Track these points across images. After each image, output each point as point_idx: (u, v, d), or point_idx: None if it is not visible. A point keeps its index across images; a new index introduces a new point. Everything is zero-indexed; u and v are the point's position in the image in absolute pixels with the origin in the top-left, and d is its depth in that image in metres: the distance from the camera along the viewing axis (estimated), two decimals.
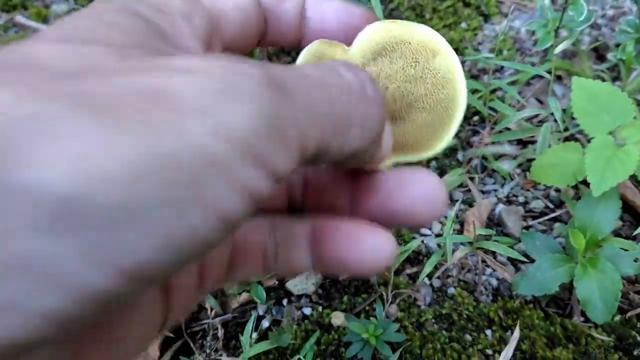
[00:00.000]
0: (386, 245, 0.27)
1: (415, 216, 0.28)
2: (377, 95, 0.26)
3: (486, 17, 0.96)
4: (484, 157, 0.76)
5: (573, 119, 0.73)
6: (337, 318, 0.64)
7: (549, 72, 0.71)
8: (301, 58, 0.34)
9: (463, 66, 0.88)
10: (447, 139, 0.33)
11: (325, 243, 0.28)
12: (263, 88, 0.19)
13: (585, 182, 0.62)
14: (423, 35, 0.35)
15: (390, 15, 0.96)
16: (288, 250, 0.29)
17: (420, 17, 0.96)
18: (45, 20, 1.03)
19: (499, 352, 0.60)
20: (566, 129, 0.75)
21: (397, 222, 0.29)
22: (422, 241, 0.70)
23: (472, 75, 0.88)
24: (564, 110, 0.74)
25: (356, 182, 0.31)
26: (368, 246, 0.27)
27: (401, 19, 0.95)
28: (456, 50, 0.90)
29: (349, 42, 0.35)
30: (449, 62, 0.34)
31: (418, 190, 0.28)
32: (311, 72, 0.22)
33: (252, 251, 0.30)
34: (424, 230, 0.72)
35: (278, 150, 0.18)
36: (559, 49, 0.69)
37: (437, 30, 0.92)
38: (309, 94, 0.21)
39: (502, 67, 0.88)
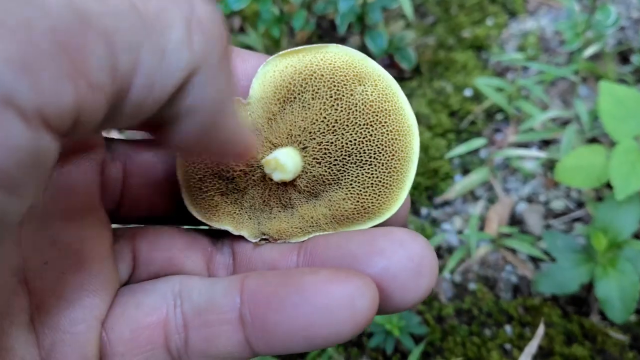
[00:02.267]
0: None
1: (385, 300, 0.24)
2: (211, 5, 0.20)
3: (512, 14, 0.97)
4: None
5: (596, 120, 0.75)
6: None
7: (575, 73, 0.72)
8: None
9: (487, 64, 0.89)
10: (402, 196, 0.26)
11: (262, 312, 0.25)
12: None
13: (607, 184, 0.64)
14: (337, 60, 0.27)
15: (417, 11, 0.96)
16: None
17: (446, 13, 0.96)
18: None
19: (518, 348, 0.62)
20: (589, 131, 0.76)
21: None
22: (444, 237, 0.72)
23: (497, 73, 0.89)
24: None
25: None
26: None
27: (428, 15, 0.95)
28: (480, 47, 0.91)
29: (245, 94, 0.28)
30: (382, 86, 0.27)
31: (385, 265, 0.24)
32: None
33: (142, 334, 0.27)
34: (445, 226, 0.73)
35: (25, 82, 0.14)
36: (587, 52, 0.70)
37: (463, 28, 0.93)
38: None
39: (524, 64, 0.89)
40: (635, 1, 0.95)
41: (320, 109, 0.27)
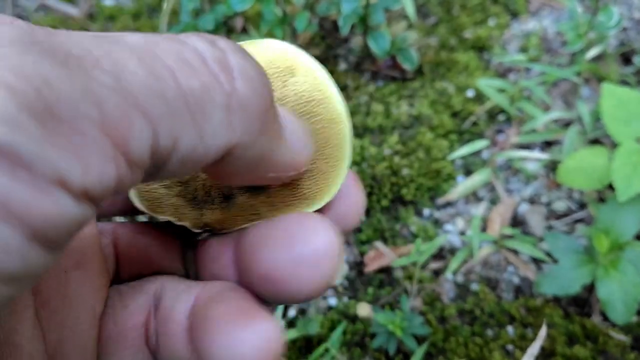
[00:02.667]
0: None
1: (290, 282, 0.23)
2: (253, 69, 0.20)
3: (514, 15, 0.97)
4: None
5: (598, 121, 0.75)
6: (363, 309, 0.67)
7: (577, 74, 0.72)
8: None
9: (489, 65, 0.89)
10: (339, 181, 0.27)
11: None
12: (24, 49, 0.14)
13: (609, 186, 0.64)
14: (270, 52, 0.27)
15: (419, 11, 0.97)
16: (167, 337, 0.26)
17: (448, 14, 0.97)
18: (72, 1, 1.05)
19: (519, 348, 0.62)
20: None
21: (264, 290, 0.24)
22: (446, 238, 0.72)
23: (499, 73, 0.89)
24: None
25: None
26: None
27: (429, 15, 0.95)
28: (482, 48, 0.91)
29: None
30: (312, 77, 0.27)
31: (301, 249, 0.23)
32: (130, 39, 0.17)
33: (128, 335, 0.27)
34: (447, 227, 0.74)
35: (61, 151, 0.15)
36: (590, 54, 0.70)
37: (465, 28, 0.93)
38: (117, 64, 0.16)
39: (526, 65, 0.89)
40: (638, 2, 0.95)
41: None
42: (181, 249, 0.30)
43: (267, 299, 0.25)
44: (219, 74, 0.19)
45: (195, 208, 0.29)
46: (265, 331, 0.22)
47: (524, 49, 0.90)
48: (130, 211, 0.31)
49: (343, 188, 0.27)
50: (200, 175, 0.29)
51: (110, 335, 0.27)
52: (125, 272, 0.30)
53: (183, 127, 0.18)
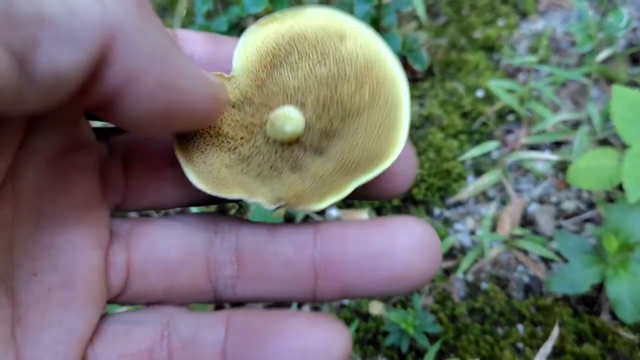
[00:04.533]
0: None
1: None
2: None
3: (523, 15, 0.98)
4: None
5: (607, 121, 0.75)
6: (375, 307, 0.68)
7: (587, 75, 0.73)
8: None
9: (498, 65, 0.90)
10: (403, 135, 0.26)
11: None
12: None
13: (619, 186, 0.65)
14: (317, 19, 0.28)
15: (428, 11, 0.97)
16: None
17: (457, 14, 0.97)
18: None
19: (530, 346, 0.63)
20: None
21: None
22: (457, 237, 0.73)
23: (508, 73, 0.89)
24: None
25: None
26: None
27: (439, 15, 0.96)
28: (492, 48, 0.92)
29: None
30: (362, 40, 0.27)
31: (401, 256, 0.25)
32: None
33: None
34: (458, 227, 0.75)
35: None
36: (600, 57, 0.71)
37: (475, 28, 0.94)
38: None
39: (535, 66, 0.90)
40: None
41: (310, 66, 0.28)
42: (206, 253, 0.29)
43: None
44: None
45: (264, 185, 0.28)
46: (339, 326, 0.24)
47: (533, 49, 0.91)
48: (188, 202, 0.30)
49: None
50: (260, 148, 0.28)
51: None
52: (137, 285, 0.29)
53: None
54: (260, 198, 0.27)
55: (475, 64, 0.89)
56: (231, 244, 0.29)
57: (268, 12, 0.90)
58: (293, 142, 0.28)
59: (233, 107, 0.29)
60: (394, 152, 0.26)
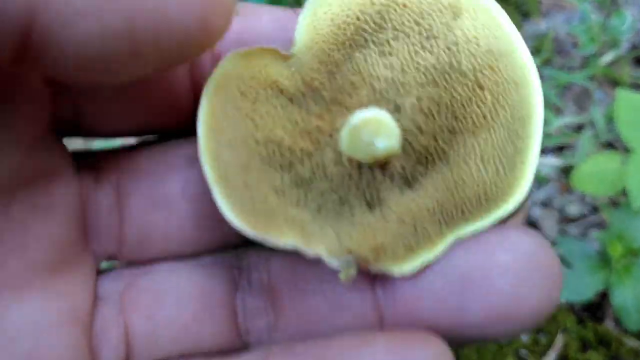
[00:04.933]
0: None
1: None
2: None
3: (525, 16, 0.97)
4: None
5: (611, 124, 0.75)
6: None
7: (590, 78, 0.72)
8: (210, 85, 0.19)
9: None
10: (531, 168, 0.19)
11: None
12: None
13: (623, 190, 0.64)
14: None
15: None
16: None
17: None
18: None
19: (533, 353, 0.62)
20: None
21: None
22: None
23: None
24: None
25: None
26: None
27: None
28: None
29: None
30: (485, 18, 0.19)
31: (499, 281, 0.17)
32: None
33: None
34: None
35: None
36: (604, 60, 0.70)
37: None
38: None
39: (538, 67, 0.89)
40: None
41: (410, 51, 0.19)
42: (230, 302, 0.21)
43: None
44: None
45: (326, 225, 0.19)
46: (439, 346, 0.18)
47: (536, 51, 0.90)
48: (210, 247, 0.22)
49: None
50: (327, 169, 0.19)
51: None
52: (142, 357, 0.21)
53: None
54: (321, 248, 0.18)
55: None
56: (262, 284, 0.21)
57: None
58: (376, 165, 0.20)
59: (291, 101, 0.20)
60: (516, 194, 0.19)
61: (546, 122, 0.76)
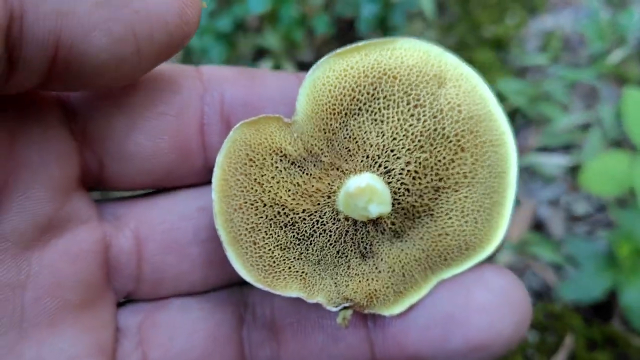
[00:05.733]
0: None
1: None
2: None
3: (532, 12, 0.96)
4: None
5: (618, 122, 0.74)
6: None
7: (599, 75, 0.72)
8: (222, 154, 0.22)
9: (507, 64, 0.88)
10: (505, 222, 0.22)
11: None
12: None
13: (631, 190, 0.64)
14: (411, 55, 0.22)
15: (440, 7, 0.96)
16: None
17: (466, 11, 0.96)
18: None
19: (540, 353, 0.62)
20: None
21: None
22: None
23: (517, 71, 0.88)
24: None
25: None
26: None
27: (447, 12, 0.95)
28: (501, 46, 0.90)
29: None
30: (466, 86, 0.22)
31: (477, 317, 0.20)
32: None
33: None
34: None
35: None
36: (612, 58, 0.70)
37: (483, 26, 0.92)
38: None
39: (545, 65, 0.88)
40: None
41: (399, 119, 0.22)
42: (237, 339, 0.24)
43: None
44: None
45: (325, 275, 0.22)
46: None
47: (542, 48, 0.89)
48: (216, 285, 0.25)
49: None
50: (327, 226, 0.22)
51: None
52: None
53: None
54: (321, 297, 0.22)
55: (484, 62, 0.88)
56: (266, 319, 0.24)
57: (273, 11, 0.89)
58: (369, 222, 0.23)
59: (293, 164, 0.23)
60: (493, 242, 0.21)
61: (553, 121, 0.76)
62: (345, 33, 0.91)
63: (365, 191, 0.21)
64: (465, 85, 0.22)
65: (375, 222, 0.23)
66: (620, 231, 0.64)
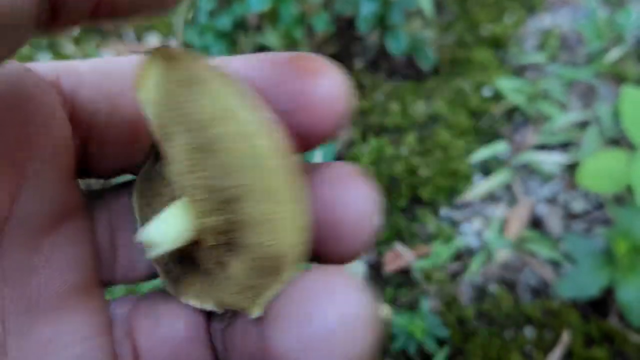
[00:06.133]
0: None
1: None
2: None
3: (530, 10, 0.97)
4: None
5: (615, 121, 0.75)
6: (382, 310, 0.68)
7: (597, 74, 0.72)
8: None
9: (505, 62, 0.89)
10: (303, 225, 0.20)
11: None
12: None
13: (628, 188, 0.64)
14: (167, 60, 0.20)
15: (438, 6, 0.96)
16: None
17: (464, 10, 0.96)
18: None
19: (538, 350, 0.63)
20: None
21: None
22: (464, 239, 0.73)
23: (516, 70, 0.89)
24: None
25: None
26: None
27: (446, 11, 0.95)
28: (499, 45, 0.91)
29: None
30: (217, 86, 0.19)
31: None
32: None
33: None
34: (464, 228, 0.74)
35: None
36: (610, 57, 0.70)
37: (482, 25, 0.93)
38: None
39: (543, 64, 0.89)
40: None
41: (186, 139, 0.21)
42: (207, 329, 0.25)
43: None
44: None
45: (214, 285, 0.23)
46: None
47: (541, 46, 0.90)
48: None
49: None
50: (206, 237, 0.22)
51: None
52: None
53: None
54: (210, 304, 0.23)
55: (482, 61, 0.88)
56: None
57: (273, 10, 0.90)
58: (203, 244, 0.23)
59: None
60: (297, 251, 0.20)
61: (551, 119, 0.76)
62: (345, 31, 0.92)
63: (148, 241, 0.22)
64: (214, 84, 0.21)
65: (203, 243, 0.22)
66: (618, 229, 0.64)
